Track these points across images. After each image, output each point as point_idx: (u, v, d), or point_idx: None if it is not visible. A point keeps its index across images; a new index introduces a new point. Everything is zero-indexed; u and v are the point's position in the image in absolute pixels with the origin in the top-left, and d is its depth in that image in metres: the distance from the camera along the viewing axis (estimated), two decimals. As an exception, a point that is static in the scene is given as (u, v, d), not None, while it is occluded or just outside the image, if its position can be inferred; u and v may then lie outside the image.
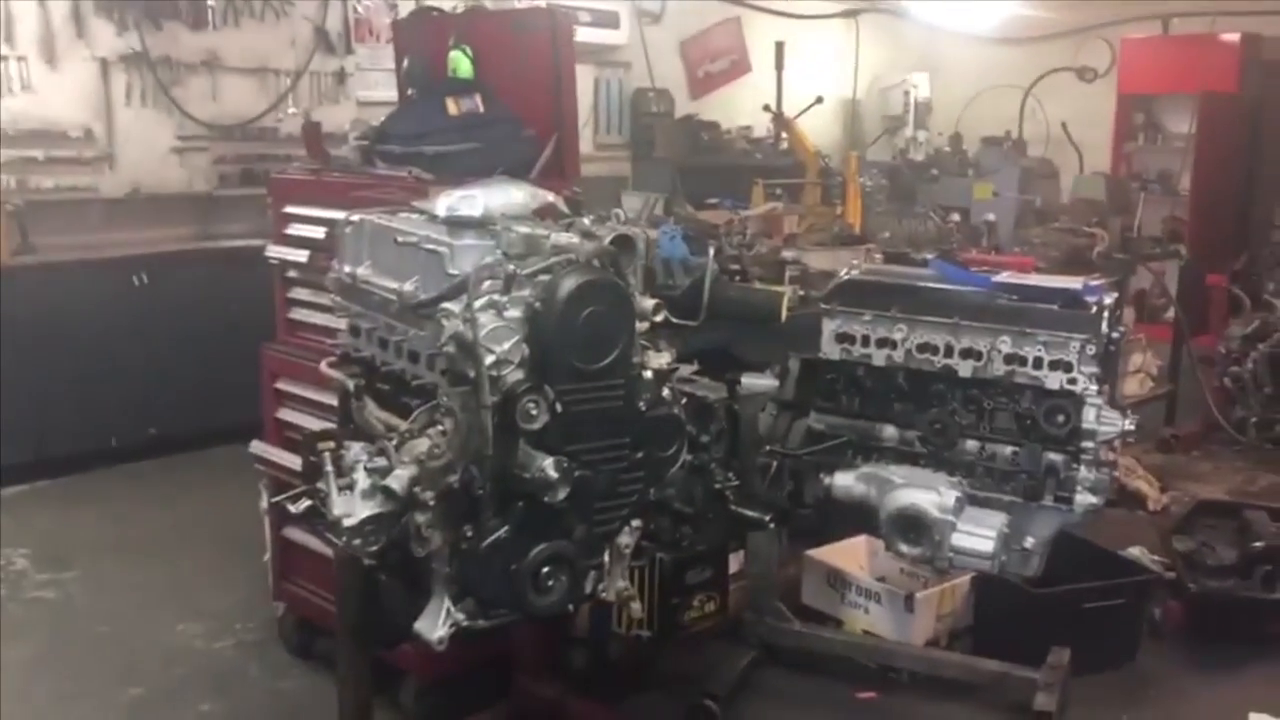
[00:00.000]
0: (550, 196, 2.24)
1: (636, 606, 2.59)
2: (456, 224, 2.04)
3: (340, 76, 6.52)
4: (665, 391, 2.09)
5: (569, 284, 1.88)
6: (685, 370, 2.32)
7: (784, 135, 7.90)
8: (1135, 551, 3.92)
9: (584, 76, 7.64)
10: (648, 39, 8.39)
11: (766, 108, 7.83)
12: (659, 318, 2.10)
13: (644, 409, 2.02)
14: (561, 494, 1.86)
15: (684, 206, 5.64)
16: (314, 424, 2.99)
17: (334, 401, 2.39)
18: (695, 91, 9.00)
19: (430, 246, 2.01)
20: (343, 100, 6.51)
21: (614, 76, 8.34)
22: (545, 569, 1.91)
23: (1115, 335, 2.27)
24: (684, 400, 2.19)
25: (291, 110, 6.27)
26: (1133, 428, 2.21)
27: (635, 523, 2.10)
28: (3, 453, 4.96)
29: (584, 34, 7.37)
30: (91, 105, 5.68)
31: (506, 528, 1.89)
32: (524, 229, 2.04)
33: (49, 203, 5.48)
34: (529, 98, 3.19)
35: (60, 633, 3.79)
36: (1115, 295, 2.35)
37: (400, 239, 2.08)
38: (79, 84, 5.62)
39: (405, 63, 3.43)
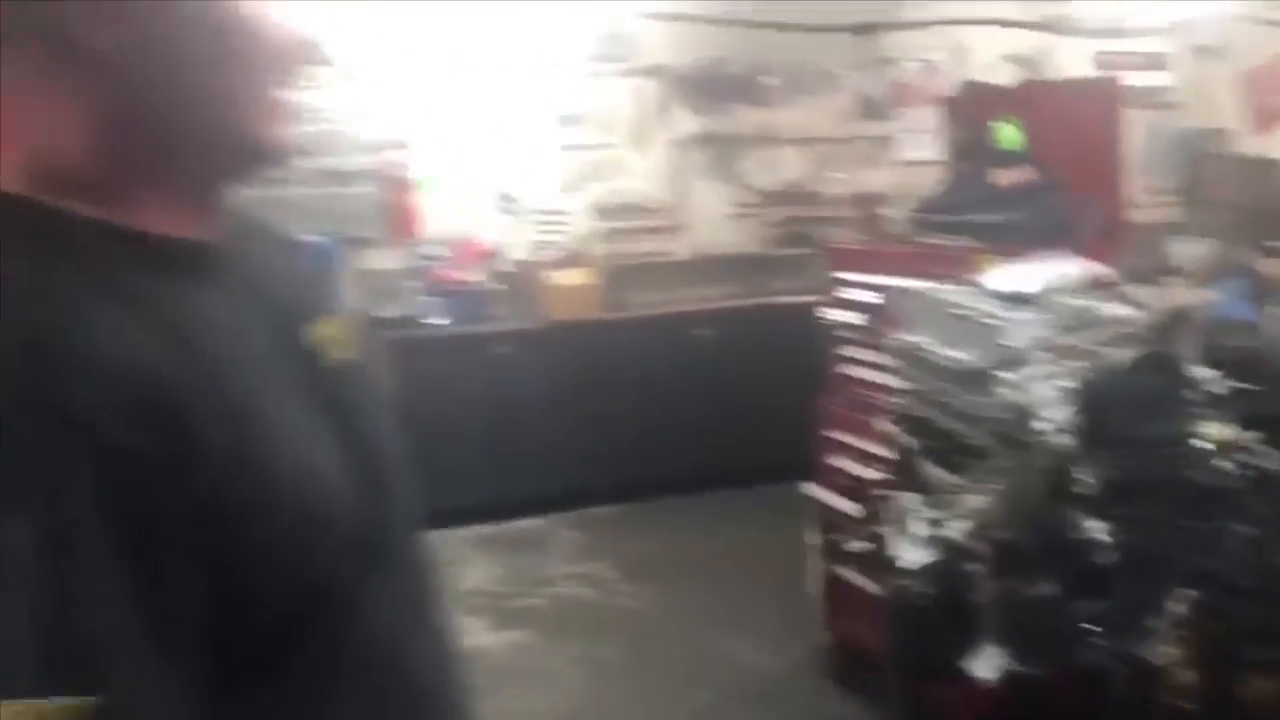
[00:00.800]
0: (1101, 269, 2.34)
1: (1183, 676, 2.56)
2: (1011, 299, 2.23)
3: (883, 140, 6.88)
4: (1224, 462, 2.11)
5: (1120, 356, 1.99)
6: (1248, 439, 2.29)
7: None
8: None
9: (1135, 123, 7.37)
10: (1200, 75, 7.88)
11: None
12: (1217, 387, 2.13)
13: (1198, 479, 2.06)
14: (1110, 557, 1.97)
15: (1246, 255, 5.28)
16: (862, 472, 3.28)
17: (883, 453, 2.66)
18: (1258, 128, 8.27)
19: (986, 320, 2.21)
20: (885, 163, 6.86)
21: (1163, 118, 7.92)
22: (1090, 627, 2.03)
23: None
24: (1245, 471, 2.18)
25: (838, 175, 6.73)
26: None
27: (1187, 591, 2.13)
28: (588, 478, 5.85)
29: (1131, 78, 7.13)
30: (668, 180, 6.54)
31: (1055, 584, 2.03)
32: (1076, 302, 2.17)
33: (633, 265, 6.37)
34: (1080, 165, 3.28)
35: (637, 636, 4.43)
36: None
37: (958, 312, 2.31)
38: (660, 163, 6.50)
39: (955, 135, 3.65)
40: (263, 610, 0.73)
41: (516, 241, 6.20)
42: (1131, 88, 6.93)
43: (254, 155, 0.80)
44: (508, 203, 6.18)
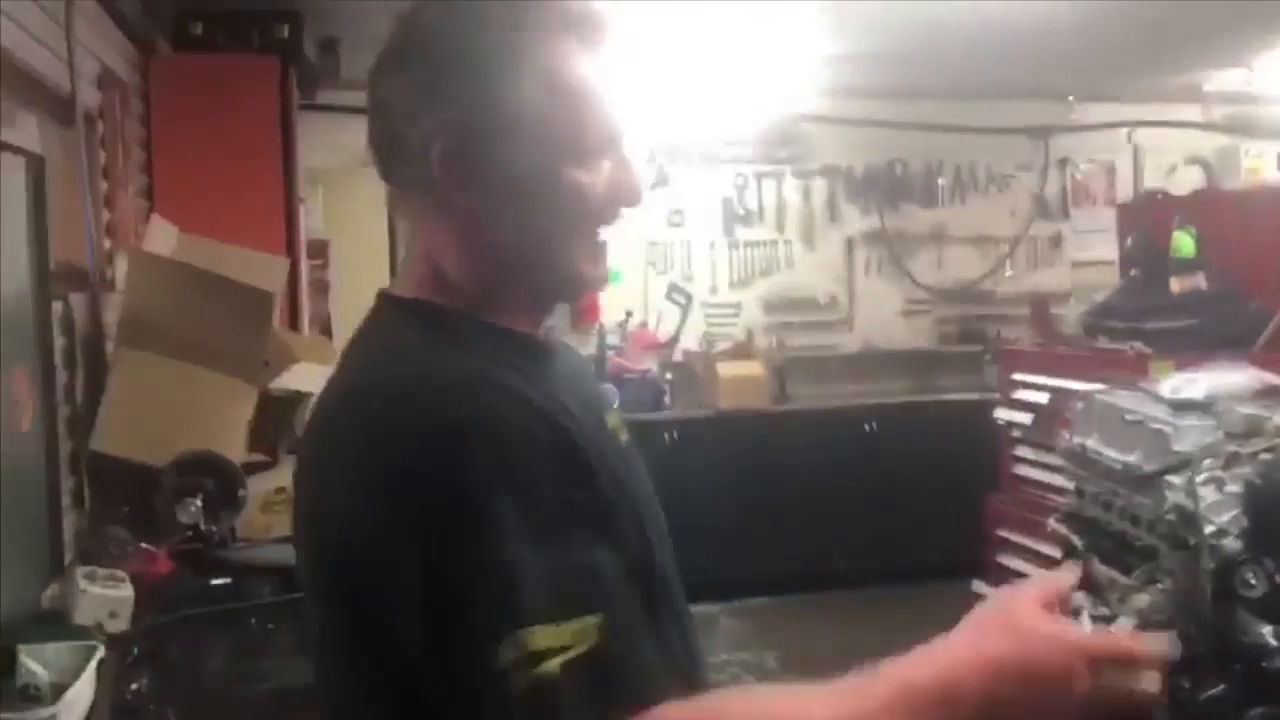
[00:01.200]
0: (1274, 378, 2.39)
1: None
2: (1181, 405, 2.30)
3: (1056, 240, 6.90)
4: (1399, 573, 2.12)
5: (1291, 465, 2.04)
6: None
7: None
8: None
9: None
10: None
11: None
12: (1392, 500, 2.14)
13: (1373, 588, 2.08)
14: (1280, 661, 2.00)
15: None
16: (1032, 570, 3.33)
17: (1053, 552, 2.72)
18: None
19: (1156, 425, 2.29)
20: (1058, 263, 6.87)
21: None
22: (1262, 730, 2.05)
23: None
24: None
25: (1009, 274, 6.78)
26: None
27: (1363, 701, 2.13)
28: (751, 568, 5.94)
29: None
30: (837, 276, 6.70)
31: (1224, 686, 2.06)
32: (1246, 410, 2.22)
33: (801, 359, 6.53)
34: (1256, 271, 3.30)
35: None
36: None
37: (1128, 417, 2.38)
38: (829, 259, 6.68)
39: (1128, 242, 3.72)
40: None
41: (689, 332, 6.46)
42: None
43: (578, 285, 1.03)
44: (680, 295, 6.46)
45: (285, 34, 3.98)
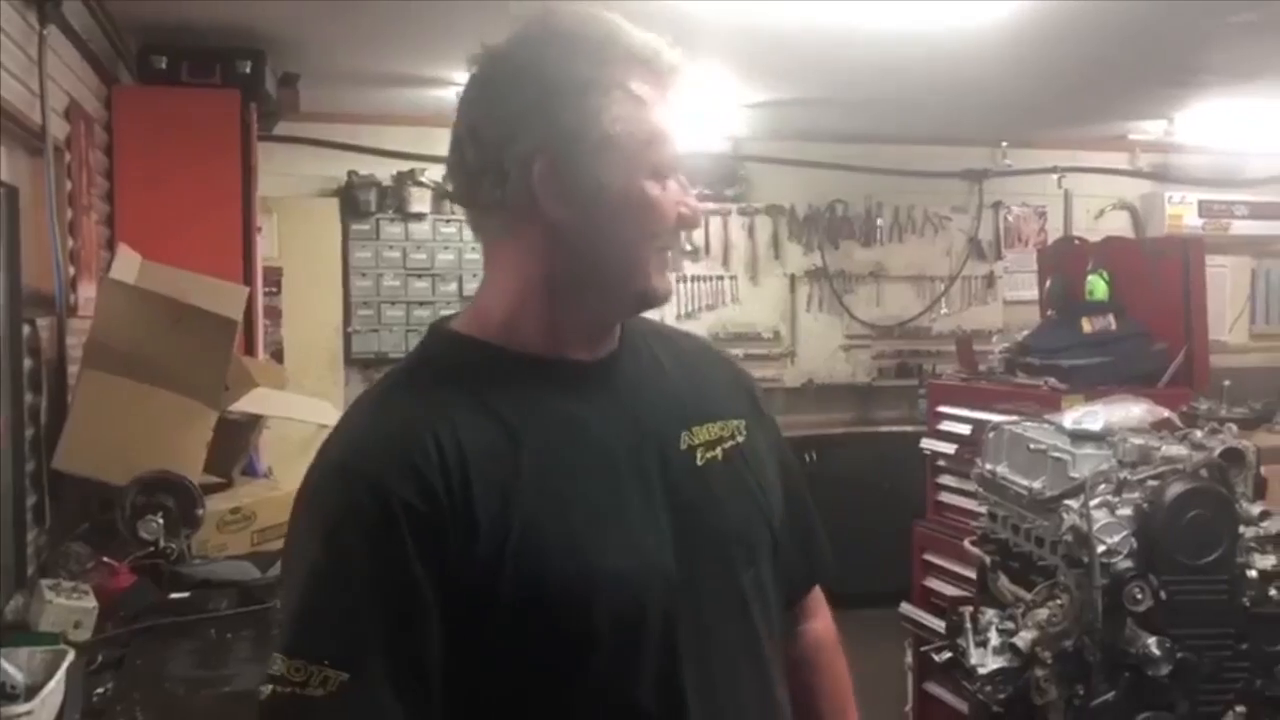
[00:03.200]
0: (1166, 412, 2.61)
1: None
2: (1080, 435, 2.51)
3: (989, 280, 7.17)
4: (1272, 591, 2.33)
5: (1174, 491, 2.25)
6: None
7: None
8: None
9: (1240, 269, 7.53)
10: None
11: None
12: (1266, 523, 2.36)
13: (1248, 605, 2.29)
14: (1164, 670, 2.20)
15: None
16: (954, 592, 3.52)
17: (973, 574, 2.91)
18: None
19: (1056, 454, 2.49)
20: (990, 301, 7.14)
21: (1275, 265, 8.04)
22: (1148, 735, 2.24)
23: None
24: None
25: (944, 311, 7.03)
26: None
27: (1239, 708, 2.33)
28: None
29: (1240, 227, 7.32)
30: (780, 311, 6.91)
31: (1113, 693, 2.26)
32: (1138, 440, 2.44)
33: (744, 391, 6.70)
34: (1161, 313, 3.54)
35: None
36: None
37: (1032, 446, 2.59)
38: (772, 295, 6.89)
39: (1048, 284, 3.95)
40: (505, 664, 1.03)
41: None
42: (1241, 236, 7.19)
43: (649, 296, 1.14)
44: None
45: (247, 69, 4.11)
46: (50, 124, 3.03)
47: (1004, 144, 6.90)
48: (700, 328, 6.69)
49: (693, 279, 6.72)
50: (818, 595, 1.39)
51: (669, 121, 1.12)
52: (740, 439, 1.20)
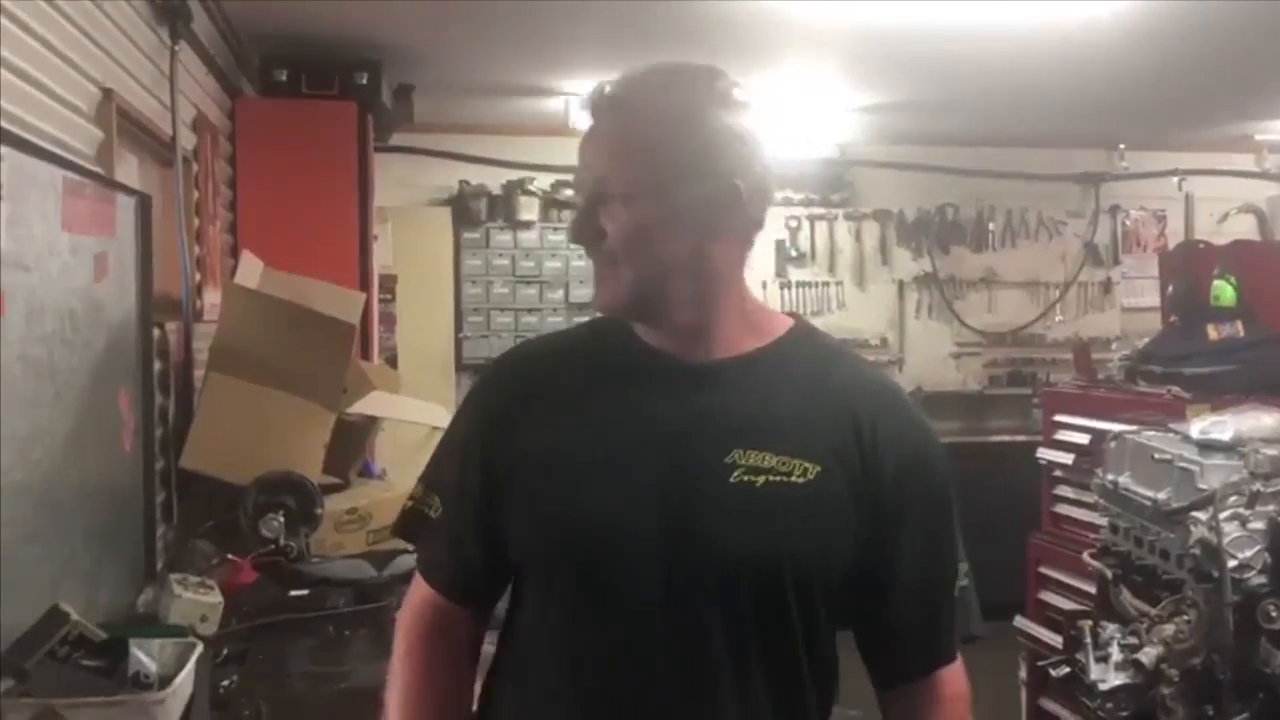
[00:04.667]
0: (1301, 422, 2.50)
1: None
2: (1208, 446, 2.42)
3: (1106, 285, 6.97)
4: None
5: (1312, 504, 2.15)
6: None
7: None
8: None
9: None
10: None
11: None
12: None
13: (1391, 624, 2.17)
14: (1301, 691, 2.11)
15: None
16: (1071, 606, 3.42)
17: (1090, 587, 2.83)
18: None
19: (1184, 464, 2.41)
20: (1108, 307, 6.93)
21: None
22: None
23: None
24: None
25: (1059, 318, 6.85)
26: None
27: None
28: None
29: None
30: (888, 318, 6.82)
31: (1246, 714, 2.17)
32: (1271, 451, 2.34)
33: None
34: (1293, 321, 3.39)
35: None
36: None
37: (1158, 456, 2.51)
38: (880, 301, 6.80)
39: (1170, 289, 3.82)
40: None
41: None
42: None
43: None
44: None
45: (364, 80, 4.21)
46: (180, 135, 3.15)
47: (1121, 146, 6.69)
48: (806, 334, 6.63)
49: (798, 285, 6.68)
50: (945, 672, 1.39)
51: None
52: (797, 479, 1.22)
